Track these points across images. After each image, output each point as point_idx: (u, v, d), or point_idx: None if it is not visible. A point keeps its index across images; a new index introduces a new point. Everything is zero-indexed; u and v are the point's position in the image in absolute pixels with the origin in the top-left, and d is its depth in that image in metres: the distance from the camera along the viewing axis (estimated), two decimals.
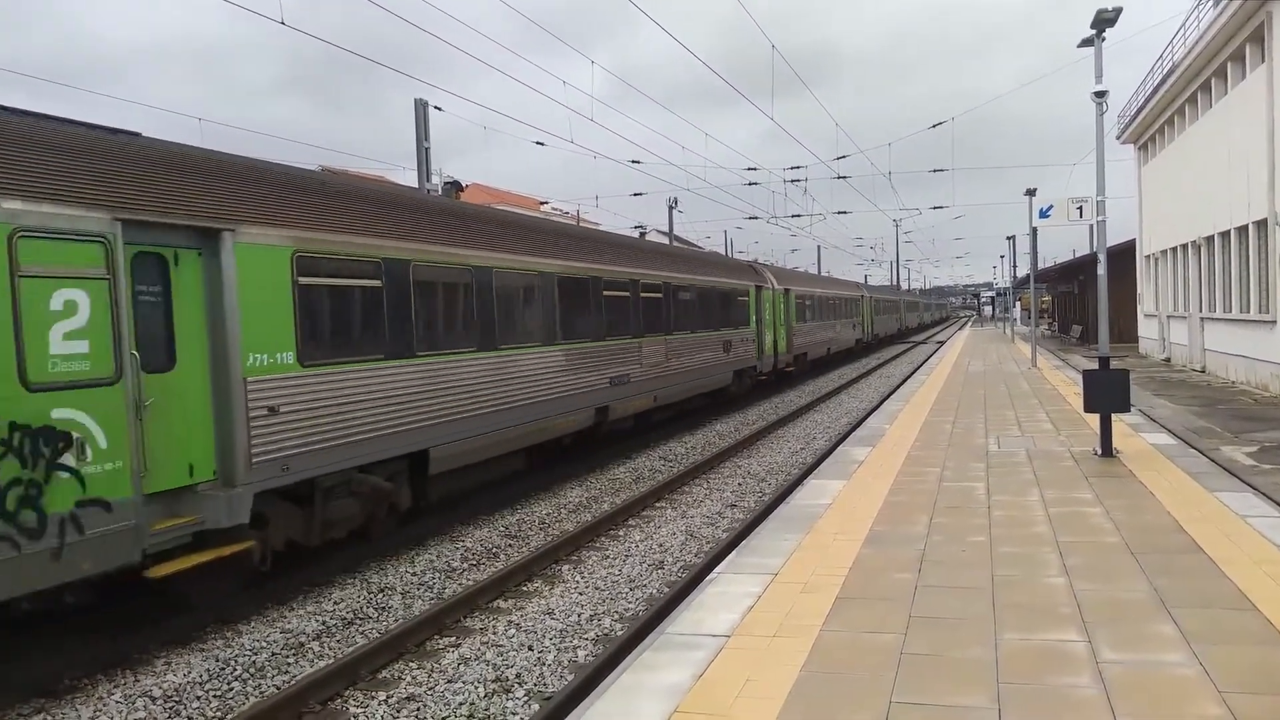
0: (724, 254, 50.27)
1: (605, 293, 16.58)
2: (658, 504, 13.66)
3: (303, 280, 9.27)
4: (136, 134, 8.84)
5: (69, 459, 6.98)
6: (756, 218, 51.29)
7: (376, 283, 10.39)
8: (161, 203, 8.00)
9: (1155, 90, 31.30)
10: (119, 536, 7.31)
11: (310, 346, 9.34)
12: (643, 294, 18.37)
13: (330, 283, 9.74)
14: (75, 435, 7.04)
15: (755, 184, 41.70)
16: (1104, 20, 12.25)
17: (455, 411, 11.68)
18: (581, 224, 39.52)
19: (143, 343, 7.73)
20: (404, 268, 10.86)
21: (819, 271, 74.24)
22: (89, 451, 7.13)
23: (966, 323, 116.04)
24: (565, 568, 10.45)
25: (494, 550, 11.25)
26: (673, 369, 19.80)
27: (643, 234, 45.46)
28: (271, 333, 8.85)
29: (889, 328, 65.39)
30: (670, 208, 43.86)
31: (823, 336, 37.75)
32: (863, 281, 69.81)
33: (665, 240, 41.91)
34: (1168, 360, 32.03)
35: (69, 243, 7.13)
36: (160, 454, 7.81)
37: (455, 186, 23.89)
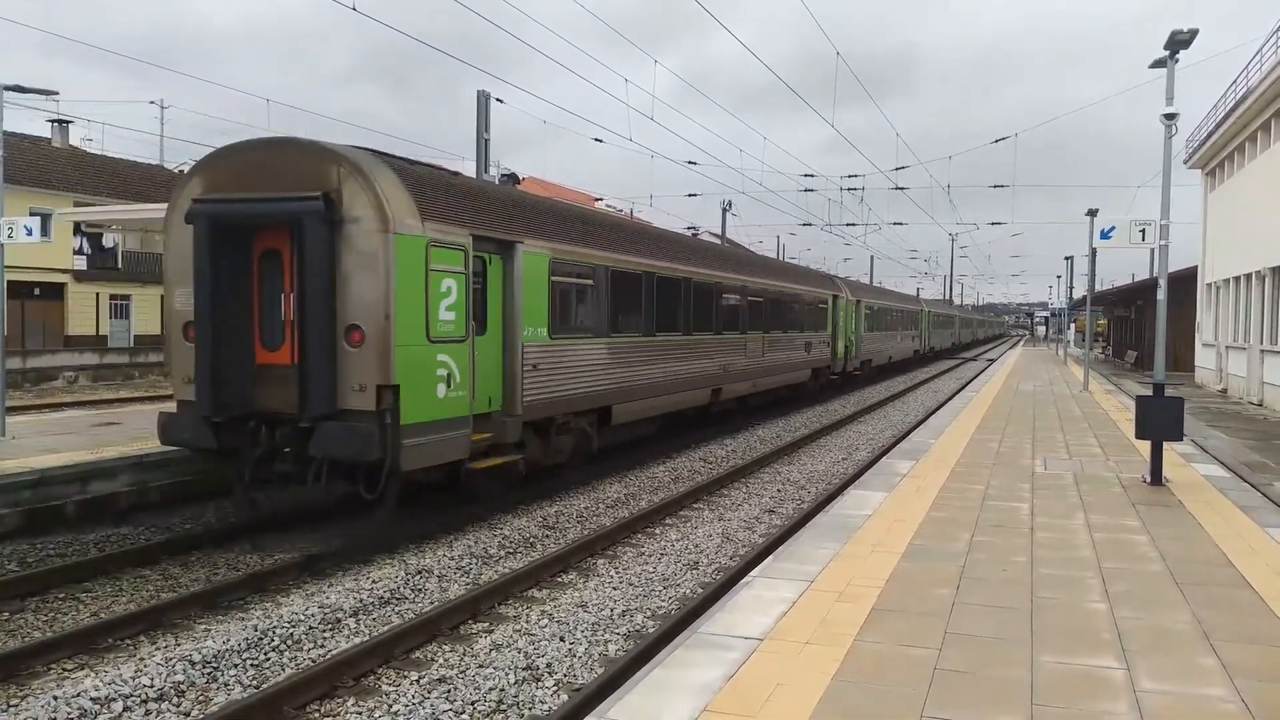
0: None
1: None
2: (695, 505, 13.65)
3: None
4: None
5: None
6: (811, 224, 51.10)
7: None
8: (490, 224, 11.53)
9: (1227, 116, 30.63)
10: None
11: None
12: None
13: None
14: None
15: (812, 191, 41.51)
16: (1178, 42, 11.94)
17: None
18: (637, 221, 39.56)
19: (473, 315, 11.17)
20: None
21: (871, 281, 73.79)
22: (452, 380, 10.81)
23: (1019, 342, 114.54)
24: (601, 562, 10.49)
25: (531, 540, 11.32)
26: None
27: (694, 235, 45.33)
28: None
29: (944, 341, 68.83)
30: (724, 210, 43.68)
31: (886, 346, 43.18)
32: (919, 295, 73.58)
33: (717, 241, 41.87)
34: (1224, 391, 31.33)
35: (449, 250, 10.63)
36: (478, 388, 11.38)
37: (512, 179, 24.09)
